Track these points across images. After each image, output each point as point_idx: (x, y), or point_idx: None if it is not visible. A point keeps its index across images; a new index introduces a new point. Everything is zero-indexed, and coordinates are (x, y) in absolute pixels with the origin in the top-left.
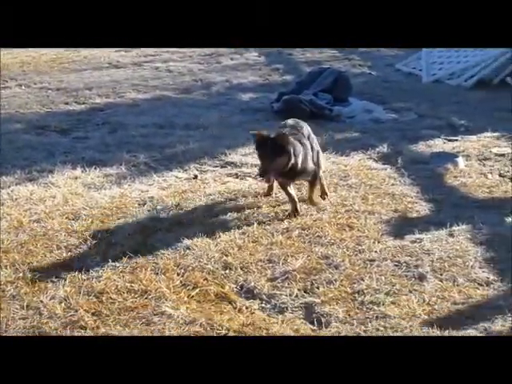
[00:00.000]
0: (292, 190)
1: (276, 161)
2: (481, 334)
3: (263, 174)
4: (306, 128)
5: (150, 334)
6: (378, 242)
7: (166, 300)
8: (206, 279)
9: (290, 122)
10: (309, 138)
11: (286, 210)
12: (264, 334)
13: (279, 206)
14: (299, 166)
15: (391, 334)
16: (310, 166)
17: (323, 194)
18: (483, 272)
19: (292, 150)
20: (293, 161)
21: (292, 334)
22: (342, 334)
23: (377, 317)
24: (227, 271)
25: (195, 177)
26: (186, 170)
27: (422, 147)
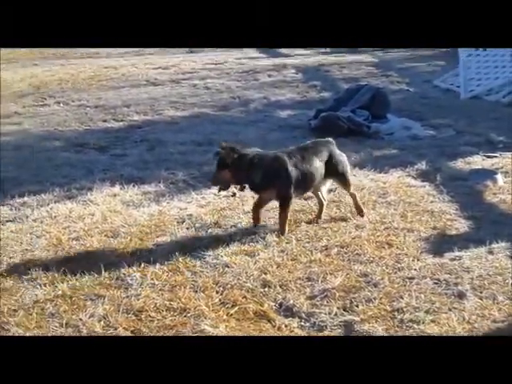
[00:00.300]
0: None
1: (217, 173)
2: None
3: (212, 182)
4: (327, 151)
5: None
6: (418, 260)
7: (205, 318)
8: (244, 297)
9: (309, 142)
10: (331, 160)
11: (325, 228)
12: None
13: (318, 223)
14: (256, 182)
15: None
16: (279, 188)
17: (360, 212)
18: None
19: (234, 166)
20: (240, 177)
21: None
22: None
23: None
24: (266, 289)
25: (233, 194)
26: None
27: (460, 164)
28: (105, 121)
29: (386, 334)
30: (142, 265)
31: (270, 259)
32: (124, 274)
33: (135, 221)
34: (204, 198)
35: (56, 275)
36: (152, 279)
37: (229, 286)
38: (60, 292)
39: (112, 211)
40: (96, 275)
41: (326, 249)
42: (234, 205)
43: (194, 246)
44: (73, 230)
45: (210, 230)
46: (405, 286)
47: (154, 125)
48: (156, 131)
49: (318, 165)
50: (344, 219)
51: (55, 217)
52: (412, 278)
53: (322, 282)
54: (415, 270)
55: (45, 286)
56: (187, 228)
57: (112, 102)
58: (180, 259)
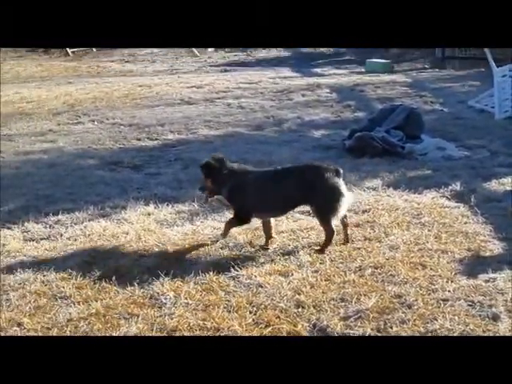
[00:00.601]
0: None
1: (204, 181)
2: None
3: (200, 189)
4: (308, 177)
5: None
6: (452, 282)
7: None
8: (278, 317)
9: (290, 165)
10: (310, 188)
11: (359, 249)
12: None
13: (352, 243)
14: (225, 194)
15: None
16: (237, 201)
17: (346, 241)
18: None
19: (214, 177)
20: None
21: None
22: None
23: None
24: (300, 309)
25: None
26: None
27: (494, 185)
28: (139, 139)
29: (386, 334)
30: (176, 284)
31: (304, 279)
32: (158, 293)
33: (169, 240)
34: None
35: (90, 293)
36: (186, 298)
37: (262, 306)
38: (94, 310)
39: (146, 230)
40: (130, 294)
41: (360, 269)
42: None
43: (227, 266)
44: (107, 248)
45: (243, 250)
46: (439, 307)
47: (188, 144)
48: (190, 150)
49: (290, 190)
50: (378, 240)
51: (89, 235)
52: (446, 300)
53: (355, 302)
54: (449, 291)
55: (78, 304)
56: (221, 247)
57: (146, 120)
58: (214, 279)
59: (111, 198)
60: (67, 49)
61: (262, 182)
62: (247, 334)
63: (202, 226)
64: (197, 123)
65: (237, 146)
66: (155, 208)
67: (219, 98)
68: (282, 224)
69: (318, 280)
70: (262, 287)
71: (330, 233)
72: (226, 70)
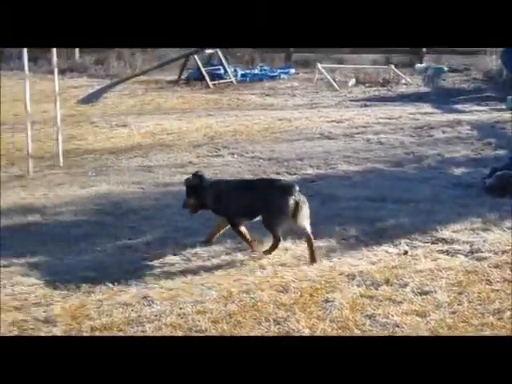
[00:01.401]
0: (243, 229)
1: (186, 199)
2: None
3: (183, 206)
4: (267, 190)
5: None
6: None
7: None
8: None
9: (259, 178)
10: (265, 200)
11: (498, 290)
12: None
13: (491, 285)
14: (209, 206)
15: None
16: (226, 212)
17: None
18: None
19: (195, 194)
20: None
21: None
22: None
23: None
24: None
25: (405, 252)
26: (396, 245)
27: None
28: (278, 173)
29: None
30: (312, 321)
31: (441, 320)
32: (293, 329)
33: (306, 276)
34: (375, 255)
35: (225, 328)
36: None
37: None
38: None
39: (283, 265)
40: (265, 329)
41: (499, 312)
42: (406, 263)
43: (363, 304)
44: (243, 282)
45: (380, 288)
46: None
47: (327, 179)
48: (329, 185)
49: (250, 199)
50: None
51: (226, 269)
52: None
53: None
54: None
55: None
56: (357, 285)
57: (285, 154)
58: (350, 317)
59: (249, 231)
60: (208, 81)
61: (233, 191)
62: None
63: (339, 263)
64: (336, 158)
65: (376, 182)
66: (292, 243)
67: (359, 133)
68: (421, 263)
69: (455, 321)
70: (398, 327)
71: (275, 240)
72: (365, 105)
